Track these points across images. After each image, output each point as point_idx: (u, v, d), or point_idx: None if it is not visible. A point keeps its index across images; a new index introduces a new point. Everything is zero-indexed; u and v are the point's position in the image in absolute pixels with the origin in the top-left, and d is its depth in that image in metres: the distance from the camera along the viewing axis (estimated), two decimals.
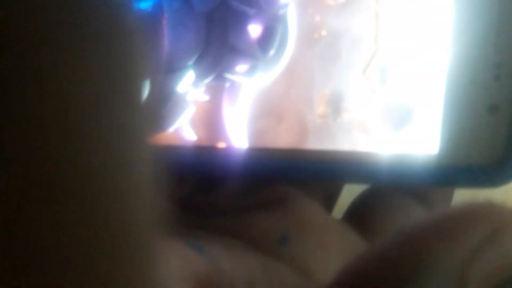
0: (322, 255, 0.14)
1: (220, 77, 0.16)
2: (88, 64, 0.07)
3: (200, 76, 0.16)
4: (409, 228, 0.10)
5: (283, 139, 0.16)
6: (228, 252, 0.14)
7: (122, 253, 0.07)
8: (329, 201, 0.18)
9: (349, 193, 0.18)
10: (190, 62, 0.15)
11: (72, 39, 0.06)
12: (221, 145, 0.16)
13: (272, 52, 0.15)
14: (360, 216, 0.16)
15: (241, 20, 0.15)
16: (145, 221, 0.08)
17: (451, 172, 0.15)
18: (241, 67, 0.16)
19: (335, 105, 0.15)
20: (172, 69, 0.15)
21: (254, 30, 0.15)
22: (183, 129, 0.16)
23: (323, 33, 0.15)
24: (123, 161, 0.07)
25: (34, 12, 0.06)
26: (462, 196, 0.17)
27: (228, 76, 0.16)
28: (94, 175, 0.07)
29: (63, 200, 0.06)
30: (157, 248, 0.08)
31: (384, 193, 0.17)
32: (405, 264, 0.09)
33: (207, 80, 0.16)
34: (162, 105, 0.16)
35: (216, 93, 0.16)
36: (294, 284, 0.12)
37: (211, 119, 0.16)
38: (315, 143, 0.16)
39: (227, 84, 0.16)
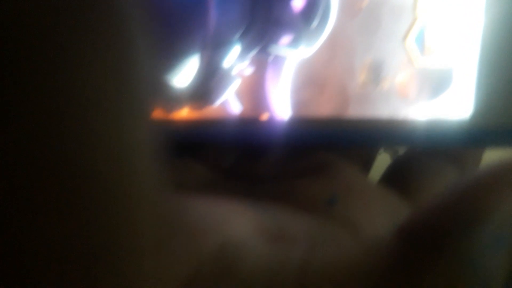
0: (368, 215, 0.15)
1: (264, 50, 0.16)
2: (88, 61, 0.07)
3: (245, 50, 0.16)
4: (467, 180, 0.11)
5: (325, 108, 0.17)
6: (285, 213, 0.14)
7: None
8: (365, 167, 0.18)
9: None
10: (236, 37, 0.16)
11: (71, 33, 0.07)
12: (266, 116, 0.17)
13: (315, 24, 0.16)
14: (398, 179, 0.17)
15: None
16: (147, 197, 0.08)
17: (484, 134, 0.16)
18: (285, 39, 0.16)
19: (376, 73, 0.16)
20: (219, 45, 0.16)
21: (297, 2, 0.16)
22: (229, 102, 0.17)
23: (364, 3, 0.16)
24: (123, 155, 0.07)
25: (33, 11, 0.06)
26: None
27: (272, 49, 0.16)
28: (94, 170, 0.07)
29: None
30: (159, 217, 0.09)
31: (420, 156, 0.17)
32: (470, 210, 0.10)
33: (252, 54, 0.16)
34: (210, 79, 0.16)
35: (260, 66, 0.17)
36: (348, 241, 0.13)
37: (256, 91, 0.17)
38: (356, 111, 0.16)
39: (271, 57, 0.17)
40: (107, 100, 0.07)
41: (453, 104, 0.16)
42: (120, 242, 0.08)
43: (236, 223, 0.13)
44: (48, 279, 0.07)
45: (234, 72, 0.17)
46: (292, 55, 0.16)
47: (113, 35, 0.07)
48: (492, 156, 0.18)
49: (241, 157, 0.18)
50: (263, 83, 0.17)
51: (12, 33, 0.06)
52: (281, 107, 0.17)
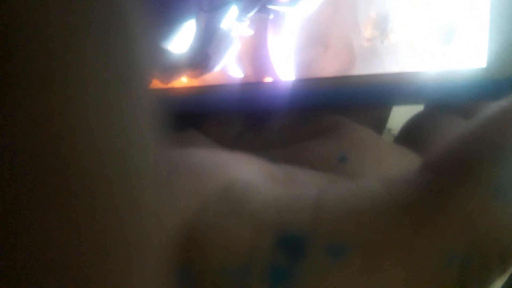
0: (381, 171, 0.14)
1: (263, 9, 0.15)
2: (91, 60, 0.07)
3: (244, 10, 0.15)
4: (492, 109, 0.10)
5: (331, 66, 0.16)
6: (297, 169, 0.14)
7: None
8: (378, 128, 0.18)
9: None
10: None
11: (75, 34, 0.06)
12: (269, 79, 0.16)
13: None
14: (413, 136, 0.17)
15: None
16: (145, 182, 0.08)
17: (500, 85, 0.15)
18: None
19: (382, 26, 0.15)
20: (216, 6, 0.15)
21: None
22: (230, 66, 0.16)
23: None
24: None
25: (36, 12, 0.06)
26: None
27: (272, 7, 0.16)
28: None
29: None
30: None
31: (435, 114, 0.17)
32: (497, 136, 0.10)
33: (251, 14, 0.16)
34: (208, 43, 0.15)
35: (260, 26, 0.16)
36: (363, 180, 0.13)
37: (257, 53, 0.16)
38: (363, 68, 0.16)
39: (271, 16, 0.16)
40: (103, 83, 0.07)
41: (467, 54, 0.15)
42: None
43: (243, 166, 0.13)
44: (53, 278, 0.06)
45: (233, 35, 0.16)
46: (293, 13, 0.16)
47: (105, 7, 0.07)
48: None
49: (247, 125, 0.18)
50: (264, 44, 0.16)
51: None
52: (284, 68, 0.16)
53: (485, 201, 0.10)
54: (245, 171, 0.12)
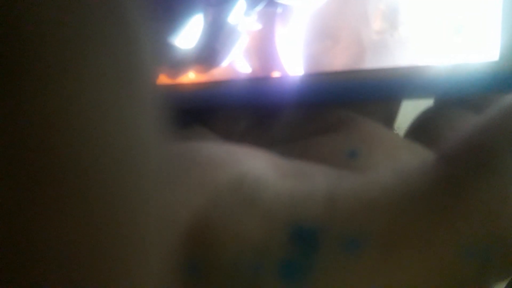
0: (393, 166, 0.14)
1: (271, 3, 0.15)
2: (93, 59, 0.06)
3: (251, 4, 0.15)
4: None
5: (340, 60, 0.16)
6: (306, 163, 0.14)
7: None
8: (387, 123, 0.18)
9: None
10: None
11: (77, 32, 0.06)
12: (277, 74, 0.16)
13: None
14: (424, 131, 0.16)
15: None
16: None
17: None
18: None
19: (392, 19, 0.15)
20: (223, 0, 0.15)
21: None
22: (237, 61, 0.16)
23: None
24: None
25: (36, 9, 0.06)
26: None
27: (280, 0, 0.15)
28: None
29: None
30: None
31: (445, 109, 0.17)
32: None
33: (259, 8, 0.15)
34: (215, 38, 0.15)
35: (268, 20, 0.16)
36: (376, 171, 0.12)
37: (265, 48, 0.16)
38: (373, 61, 0.15)
39: (279, 10, 0.16)
40: (109, 80, 0.07)
41: (479, 47, 0.15)
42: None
43: (254, 160, 0.13)
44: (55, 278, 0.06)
45: (240, 29, 0.16)
46: (301, 6, 0.15)
47: (107, 3, 0.07)
48: None
49: (254, 120, 0.17)
50: (272, 39, 0.16)
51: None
52: (293, 63, 0.16)
53: (504, 192, 0.09)
54: (256, 164, 0.12)
